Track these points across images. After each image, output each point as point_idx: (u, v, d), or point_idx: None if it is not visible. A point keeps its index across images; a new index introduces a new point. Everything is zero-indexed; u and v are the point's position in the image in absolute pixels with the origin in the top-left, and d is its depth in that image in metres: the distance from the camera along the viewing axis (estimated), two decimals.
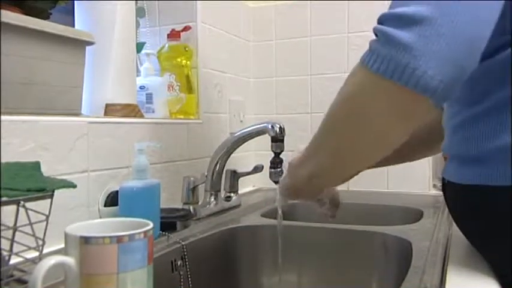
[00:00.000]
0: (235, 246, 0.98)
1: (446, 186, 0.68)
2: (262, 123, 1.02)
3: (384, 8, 0.50)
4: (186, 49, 1.22)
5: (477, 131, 0.57)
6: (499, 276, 0.59)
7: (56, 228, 0.57)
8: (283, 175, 0.74)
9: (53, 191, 0.57)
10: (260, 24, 1.54)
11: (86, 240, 0.46)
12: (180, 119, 1.19)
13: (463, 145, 0.60)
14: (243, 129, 1.07)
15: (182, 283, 0.82)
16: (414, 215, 1.06)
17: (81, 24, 0.97)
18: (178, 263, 0.81)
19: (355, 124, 0.54)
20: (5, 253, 0.57)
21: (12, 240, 0.57)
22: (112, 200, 0.85)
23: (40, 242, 0.57)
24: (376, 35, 0.49)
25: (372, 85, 0.50)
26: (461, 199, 0.63)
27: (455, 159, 0.63)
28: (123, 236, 0.46)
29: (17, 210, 0.55)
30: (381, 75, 0.47)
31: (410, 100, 0.48)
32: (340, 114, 0.56)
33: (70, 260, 0.46)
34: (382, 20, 0.49)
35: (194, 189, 1.02)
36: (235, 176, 1.15)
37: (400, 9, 0.47)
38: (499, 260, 0.59)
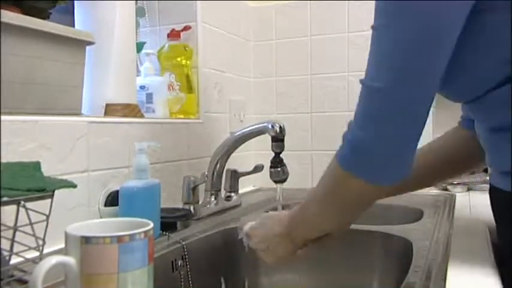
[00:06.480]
0: (236, 246, 0.98)
1: (492, 191, 0.67)
2: (262, 123, 1.02)
3: None
4: (186, 49, 1.22)
5: None
6: None
7: (56, 228, 0.57)
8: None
9: (53, 191, 0.57)
10: (260, 24, 1.54)
11: (86, 240, 0.46)
12: (180, 118, 1.19)
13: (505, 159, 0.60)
14: (243, 129, 1.07)
15: (182, 283, 0.82)
16: (414, 215, 1.06)
17: (81, 24, 0.97)
18: (179, 263, 0.81)
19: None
20: (5, 253, 0.57)
21: (13, 240, 0.57)
22: (112, 199, 0.85)
23: (40, 242, 0.57)
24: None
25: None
26: (509, 206, 0.63)
27: (500, 171, 0.63)
28: (123, 235, 0.46)
29: (17, 210, 0.55)
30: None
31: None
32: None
33: (70, 260, 0.46)
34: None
35: (194, 189, 1.02)
36: (235, 175, 1.15)
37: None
38: None
